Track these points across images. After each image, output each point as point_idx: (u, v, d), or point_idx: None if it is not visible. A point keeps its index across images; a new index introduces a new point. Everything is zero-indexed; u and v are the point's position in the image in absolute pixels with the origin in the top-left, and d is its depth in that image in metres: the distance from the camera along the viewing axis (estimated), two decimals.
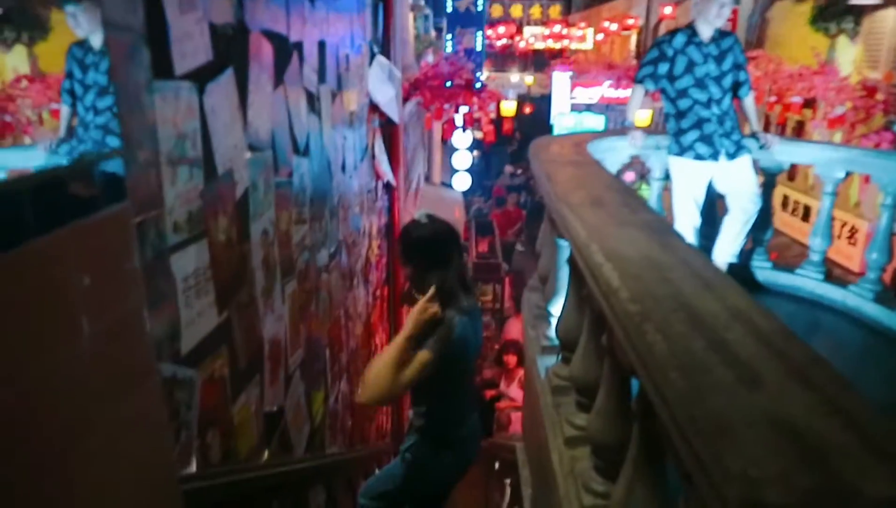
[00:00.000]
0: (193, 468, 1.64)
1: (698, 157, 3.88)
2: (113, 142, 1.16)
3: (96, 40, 1.16)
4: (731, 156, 3.89)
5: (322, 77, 3.51)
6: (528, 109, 23.37)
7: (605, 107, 16.03)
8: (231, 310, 1.99)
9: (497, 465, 7.42)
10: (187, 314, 1.66)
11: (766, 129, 8.99)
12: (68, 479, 0.81)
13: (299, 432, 2.94)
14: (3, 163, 1.07)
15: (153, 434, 1.04)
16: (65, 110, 1.17)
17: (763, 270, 4.51)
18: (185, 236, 1.65)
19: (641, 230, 1.87)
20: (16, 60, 1.08)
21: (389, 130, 6.29)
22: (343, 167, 4.11)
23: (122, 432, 0.95)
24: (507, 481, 6.20)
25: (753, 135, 4.14)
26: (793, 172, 8.16)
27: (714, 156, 3.87)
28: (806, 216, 8.03)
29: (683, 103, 3.85)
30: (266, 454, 2.38)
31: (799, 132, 8.56)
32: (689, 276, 1.52)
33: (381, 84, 5.60)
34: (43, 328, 0.72)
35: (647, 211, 2.15)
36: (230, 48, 2.05)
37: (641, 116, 10.57)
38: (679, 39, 3.82)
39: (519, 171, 20.07)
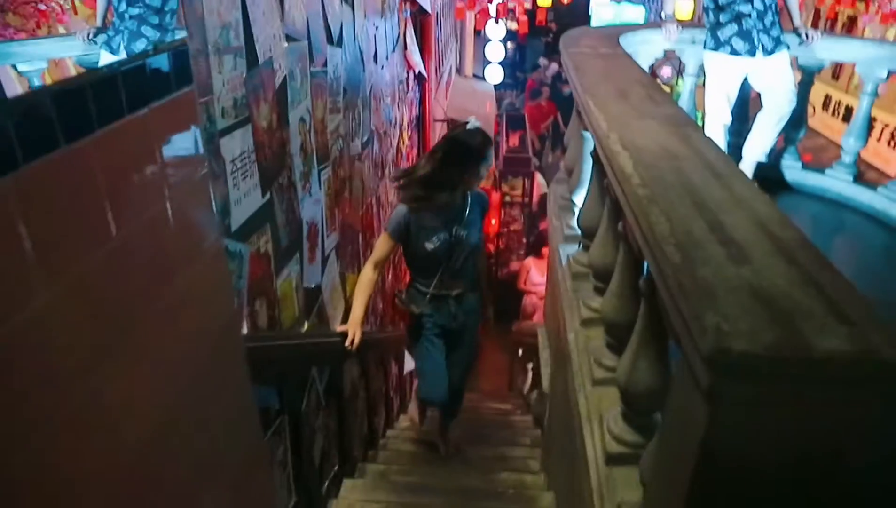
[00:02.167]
0: (244, 330, 1.85)
1: (734, 52, 3.81)
2: (148, 32, 1.19)
3: None
4: (769, 52, 3.81)
5: None
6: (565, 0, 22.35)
7: None
8: (273, 192, 2.15)
9: (521, 352, 7.78)
10: (235, 194, 1.83)
11: (815, 24, 8.60)
12: (149, 324, 0.99)
13: (335, 309, 3.17)
14: (43, 53, 1.08)
15: (219, 290, 1.22)
16: (101, 1, 1.18)
17: (792, 170, 4.51)
18: (231, 120, 1.78)
19: (661, 123, 1.95)
20: None
21: (421, 20, 6.21)
22: (375, 58, 4.15)
23: (194, 286, 1.12)
24: (530, 366, 6.54)
25: (795, 30, 4.03)
26: (837, 70, 7.88)
27: (751, 52, 3.79)
28: (847, 117, 7.78)
29: None
30: (306, 325, 2.61)
31: (850, 28, 8.17)
32: (701, 166, 1.62)
33: None
34: (138, 192, 0.88)
35: (671, 105, 2.20)
36: None
37: (683, 8, 10.08)
38: None
39: (554, 64, 19.49)
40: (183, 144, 1.01)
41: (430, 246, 2.97)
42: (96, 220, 0.79)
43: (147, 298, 0.97)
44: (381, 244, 2.98)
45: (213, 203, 1.22)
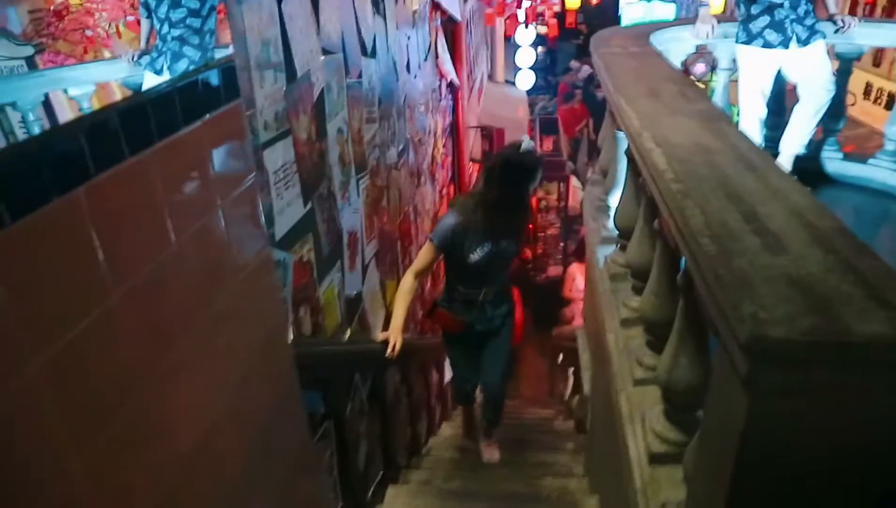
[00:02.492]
0: (290, 336, 1.90)
1: (767, 45, 3.76)
2: (189, 52, 1.24)
3: None
4: (803, 42, 3.75)
5: None
6: (594, 0, 22.25)
7: None
8: (314, 201, 2.22)
9: (561, 357, 7.75)
10: (279, 204, 1.90)
11: (853, 10, 8.41)
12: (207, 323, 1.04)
13: (375, 315, 3.23)
14: (90, 77, 1.14)
15: (267, 297, 1.28)
16: (144, 24, 1.24)
17: (833, 161, 4.42)
18: (273, 133, 1.85)
19: (694, 119, 1.96)
20: None
21: (451, 29, 6.27)
22: (408, 67, 4.22)
23: (244, 292, 1.18)
24: (570, 370, 6.51)
25: (830, 18, 3.96)
26: (878, 57, 7.70)
27: (784, 43, 3.74)
28: (890, 105, 7.60)
29: None
30: (348, 332, 2.67)
31: (890, 13, 7.98)
32: (735, 160, 1.62)
33: None
34: (193, 201, 0.94)
35: (703, 101, 2.21)
36: None
37: (715, 1, 9.96)
38: None
39: (585, 66, 19.37)
40: (233, 154, 1.07)
41: (472, 257, 3.03)
42: (157, 227, 0.85)
43: (200, 303, 1.03)
44: (425, 254, 3.03)
45: (261, 213, 1.28)
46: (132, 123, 0.77)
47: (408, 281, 3.01)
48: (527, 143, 2.97)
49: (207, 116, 0.95)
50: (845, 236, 1.22)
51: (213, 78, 0.97)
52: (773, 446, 1.04)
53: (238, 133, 1.07)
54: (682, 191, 1.43)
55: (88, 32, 1.15)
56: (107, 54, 1.19)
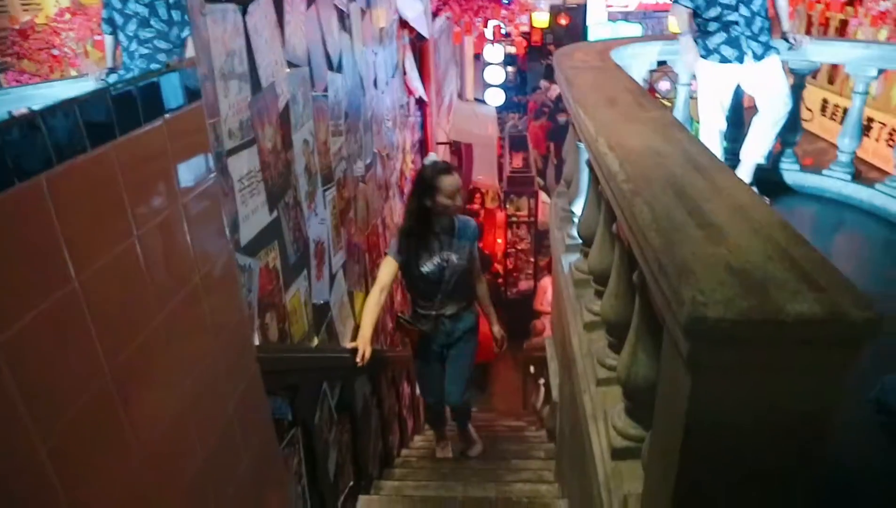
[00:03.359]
0: (255, 342, 1.92)
1: (724, 60, 3.91)
2: (159, 64, 1.26)
3: None
4: (758, 58, 3.89)
5: None
6: (563, 21, 22.67)
7: (642, 15, 15.55)
8: (280, 210, 2.25)
9: (532, 369, 7.81)
10: (244, 211, 1.92)
11: (808, 30, 8.72)
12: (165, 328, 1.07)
13: (344, 325, 3.26)
14: (56, 95, 1.13)
15: (230, 295, 1.30)
16: (108, 40, 1.22)
17: (791, 172, 4.58)
18: (238, 141, 1.88)
19: (648, 125, 2.03)
20: None
21: (420, 46, 6.36)
22: (375, 83, 4.27)
23: (207, 289, 1.20)
24: (541, 381, 6.57)
25: (783, 36, 4.12)
26: (833, 74, 7.97)
27: (740, 58, 3.88)
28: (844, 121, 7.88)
29: (712, 9, 3.86)
30: (316, 340, 2.69)
31: (842, 32, 8.29)
32: (685, 162, 1.70)
33: (410, 0, 5.65)
34: (154, 196, 0.97)
35: (658, 109, 2.29)
36: None
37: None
38: None
39: (555, 86, 19.67)
40: (194, 154, 1.10)
41: (424, 269, 3.35)
42: (118, 218, 0.88)
43: (160, 298, 1.05)
44: (384, 267, 3.33)
45: (223, 215, 1.31)
46: (93, 116, 0.80)
47: (374, 295, 3.27)
48: (429, 157, 3.41)
49: (168, 115, 0.99)
50: (784, 228, 1.29)
51: (174, 79, 1.00)
52: (716, 422, 1.09)
53: (199, 134, 1.10)
54: (633, 190, 1.50)
55: (55, 52, 1.15)
56: (73, 73, 1.19)
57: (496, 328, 3.81)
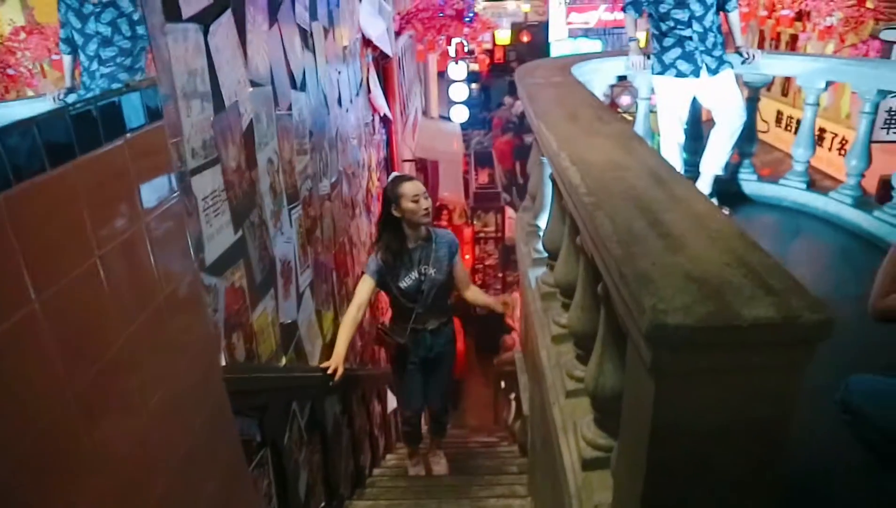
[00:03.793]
0: (222, 362, 1.90)
1: (679, 74, 4.01)
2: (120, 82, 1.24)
3: None
4: (713, 72, 4.01)
5: (314, 14, 3.65)
6: (525, 38, 23.02)
7: (602, 31, 15.86)
8: (245, 229, 2.23)
9: (503, 384, 7.82)
10: (208, 230, 1.90)
11: (761, 44, 8.99)
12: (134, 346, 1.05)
13: (312, 345, 3.23)
14: (11, 115, 1.09)
15: (196, 315, 1.29)
16: (66, 60, 1.19)
17: (749, 182, 4.70)
18: (201, 160, 1.87)
19: (609, 139, 2.08)
20: (11, 13, 1.10)
21: (384, 64, 6.39)
22: (339, 101, 4.28)
23: (172, 310, 1.19)
24: (512, 396, 6.58)
25: (737, 50, 4.25)
26: (786, 87, 8.22)
27: (695, 72, 3.99)
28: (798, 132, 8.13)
29: (665, 24, 3.97)
30: (284, 360, 2.67)
31: (792, 46, 8.57)
32: (645, 174, 1.74)
33: (372, 18, 5.69)
34: (116, 215, 0.96)
35: (619, 123, 2.34)
36: None
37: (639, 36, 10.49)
38: None
39: (518, 102, 19.93)
40: (156, 173, 1.09)
41: (403, 285, 3.36)
42: (79, 239, 0.87)
43: (123, 319, 1.04)
44: (361, 286, 3.34)
45: (187, 234, 1.30)
46: (53, 136, 0.80)
47: (350, 313, 3.27)
48: (392, 174, 3.55)
49: (129, 134, 0.98)
50: (740, 236, 1.33)
51: (135, 98, 1.00)
52: (680, 427, 1.12)
53: (161, 153, 1.10)
54: (594, 203, 1.53)
55: (10, 71, 1.12)
56: (30, 93, 1.14)
57: (502, 300, 4.13)
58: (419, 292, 3.40)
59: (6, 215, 0.73)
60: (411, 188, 3.24)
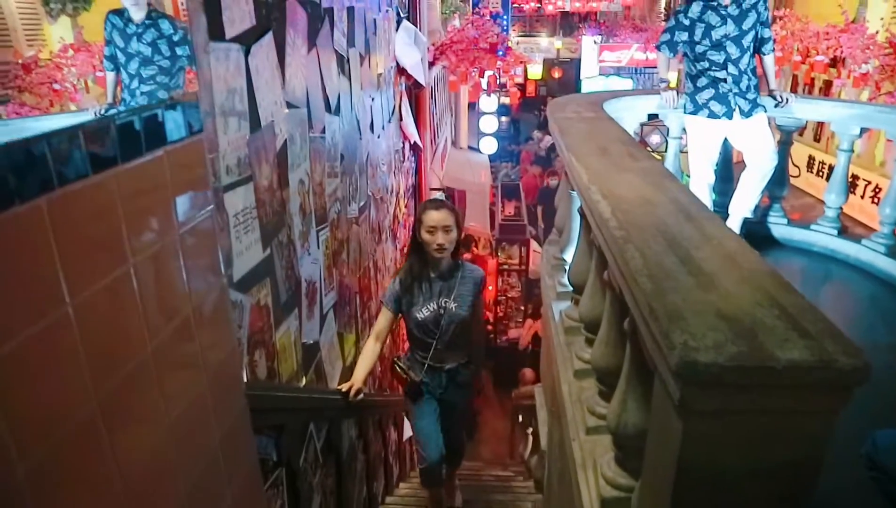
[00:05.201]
0: (245, 379, 1.90)
1: (712, 115, 4.01)
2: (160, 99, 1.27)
3: (136, 13, 1.27)
4: (746, 114, 4.00)
5: (351, 41, 3.72)
6: (556, 74, 23.23)
7: (633, 70, 15.97)
8: (273, 248, 2.25)
9: (520, 417, 7.73)
10: (237, 246, 1.93)
11: (794, 88, 8.95)
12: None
13: (333, 367, 3.23)
14: (54, 127, 1.17)
15: (221, 330, 1.30)
16: (110, 77, 1.27)
17: (779, 226, 4.64)
18: (235, 177, 1.90)
19: (639, 175, 2.07)
20: (61, 31, 1.16)
21: (416, 93, 6.47)
22: (371, 127, 4.34)
23: (198, 323, 1.20)
24: (530, 430, 6.50)
25: (770, 93, 4.24)
26: (819, 132, 8.16)
27: (728, 114, 3.98)
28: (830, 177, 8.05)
29: (701, 65, 3.98)
30: (304, 380, 2.67)
31: (826, 92, 8.53)
32: (676, 211, 1.73)
33: (408, 48, 5.78)
34: (151, 224, 0.98)
35: (649, 159, 2.33)
36: (270, 14, 2.29)
37: (670, 77, 10.56)
38: (695, 8, 3.92)
39: (547, 136, 20.05)
40: (192, 186, 1.11)
41: (419, 316, 3.22)
42: (114, 245, 0.89)
43: (151, 328, 1.05)
44: (381, 317, 3.28)
45: (218, 248, 1.32)
46: (96, 143, 0.82)
47: (369, 343, 3.24)
48: (434, 196, 3.32)
49: (169, 146, 1.00)
50: (773, 276, 1.31)
51: (177, 112, 1.02)
52: (707, 466, 1.09)
53: (198, 167, 1.12)
54: (624, 237, 1.52)
55: (56, 86, 1.18)
56: (73, 108, 1.22)
57: (480, 386, 3.71)
58: (437, 326, 3.24)
59: (47, 217, 0.74)
60: (430, 218, 3.08)
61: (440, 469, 3.86)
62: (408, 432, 5.34)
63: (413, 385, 3.37)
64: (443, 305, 3.22)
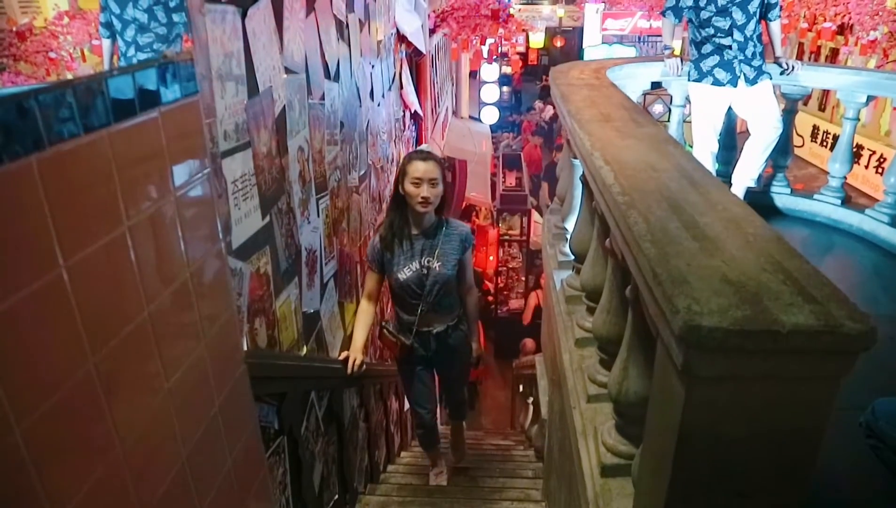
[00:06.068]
0: (244, 346, 1.90)
1: (716, 82, 3.95)
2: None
3: None
4: (751, 82, 3.94)
5: (350, 6, 3.65)
6: (559, 43, 22.94)
7: (636, 38, 15.74)
8: (272, 215, 2.24)
9: (521, 387, 7.78)
10: (236, 214, 1.91)
11: (800, 56, 8.84)
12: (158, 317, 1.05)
13: (333, 336, 3.23)
14: None
15: (220, 296, 1.29)
16: (106, 44, 1.24)
17: (782, 195, 4.61)
18: (233, 143, 1.88)
19: (643, 141, 2.04)
20: None
21: (417, 61, 6.39)
22: (371, 95, 4.29)
23: (196, 289, 1.19)
24: (530, 400, 6.54)
25: (776, 61, 4.18)
26: (823, 102, 8.07)
27: (733, 82, 3.93)
28: (834, 146, 7.99)
29: (705, 31, 3.91)
30: (305, 349, 2.67)
31: (833, 60, 8.41)
32: (679, 176, 1.70)
33: (408, 14, 5.69)
34: (147, 185, 0.96)
35: (653, 125, 2.30)
36: None
37: (675, 45, 10.42)
38: None
39: (549, 107, 19.87)
40: (188, 148, 1.09)
41: (401, 276, 3.04)
42: (109, 206, 0.87)
43: (148, 292, 1.03)
44: (368, 277, 3.18)
45: (217, 213, 1.30)
46: (87, 101, 0.79)
47: (362, 306, 3.17)
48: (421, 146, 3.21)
49: (164, 107, 0.98)
50: (778, 241, 1.29)
51: (171, 71, 1.00)
52: (709, 432, 1.08)
53: (194, 131, 1.09)
54: (628, 202, 1.50)
55: (52, 55, 1.15)
56: (69, 76, 1.19)
57: (474, 345, 3.51)
58: (421, 287, 3.06)
59: (38, 176, 0.72)
60: (416, 169, 2.85)
61: (436, 431, 3.86)
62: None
63: (404, 350, 3.23)
64: (426, 264, 3.04)
